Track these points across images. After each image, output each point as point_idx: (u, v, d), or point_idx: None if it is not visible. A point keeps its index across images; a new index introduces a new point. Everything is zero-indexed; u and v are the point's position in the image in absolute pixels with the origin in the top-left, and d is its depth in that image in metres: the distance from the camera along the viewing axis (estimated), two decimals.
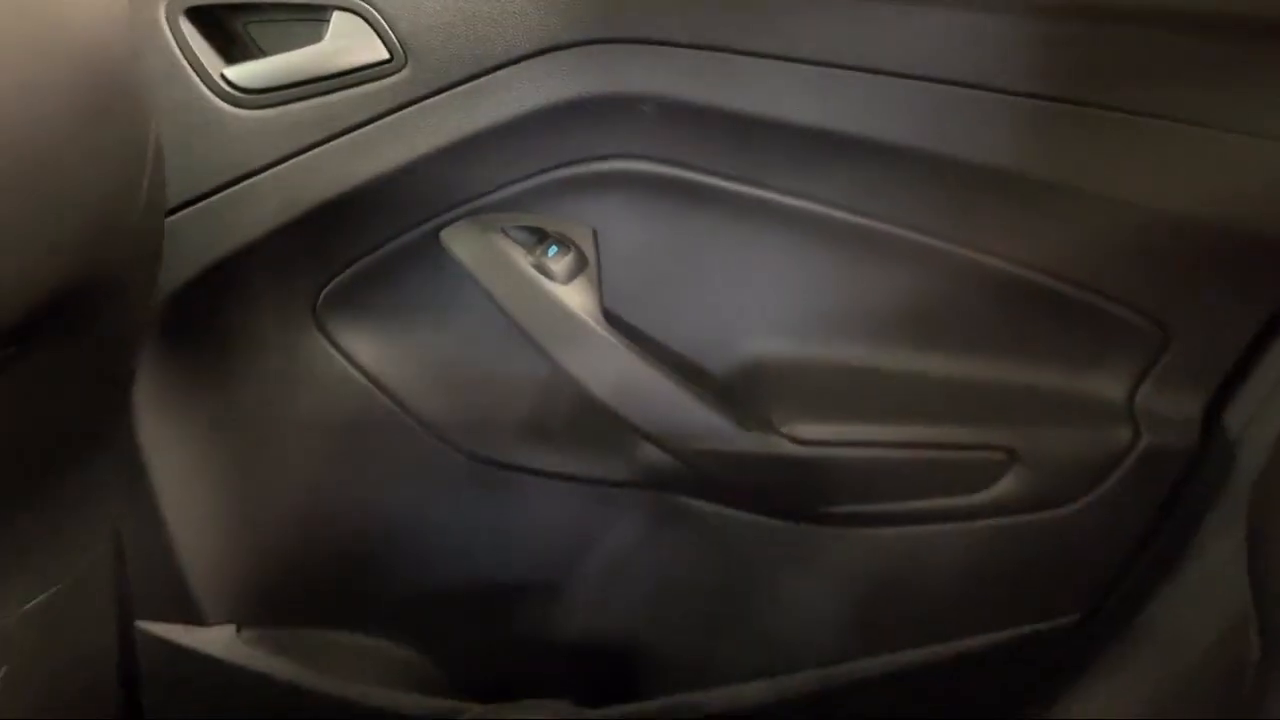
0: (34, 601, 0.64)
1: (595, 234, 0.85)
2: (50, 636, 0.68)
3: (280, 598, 0.95)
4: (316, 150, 0.79)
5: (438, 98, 0.78)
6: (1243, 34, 0.72)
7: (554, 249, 0.84)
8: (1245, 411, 0.82)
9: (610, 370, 0.85)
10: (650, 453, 0.88)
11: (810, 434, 0.85)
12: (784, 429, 0.85)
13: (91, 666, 0.78)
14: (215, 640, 0.94)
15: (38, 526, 0.62)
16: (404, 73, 0.77)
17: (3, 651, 0.63)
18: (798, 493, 0.86)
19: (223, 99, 0.77)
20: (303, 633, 0.96)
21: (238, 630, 0.95)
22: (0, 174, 0.47)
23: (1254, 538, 0.69)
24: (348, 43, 0.77)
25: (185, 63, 0.76)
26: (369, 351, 0.89)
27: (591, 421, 0.88)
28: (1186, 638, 0.84)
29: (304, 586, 0.96)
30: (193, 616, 0.94)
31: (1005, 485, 0.84)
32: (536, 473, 0.92)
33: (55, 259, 0.52)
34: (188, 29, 0.76)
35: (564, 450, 0.91)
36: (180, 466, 0.88)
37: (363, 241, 0.84)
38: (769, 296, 0.85)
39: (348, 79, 0.78)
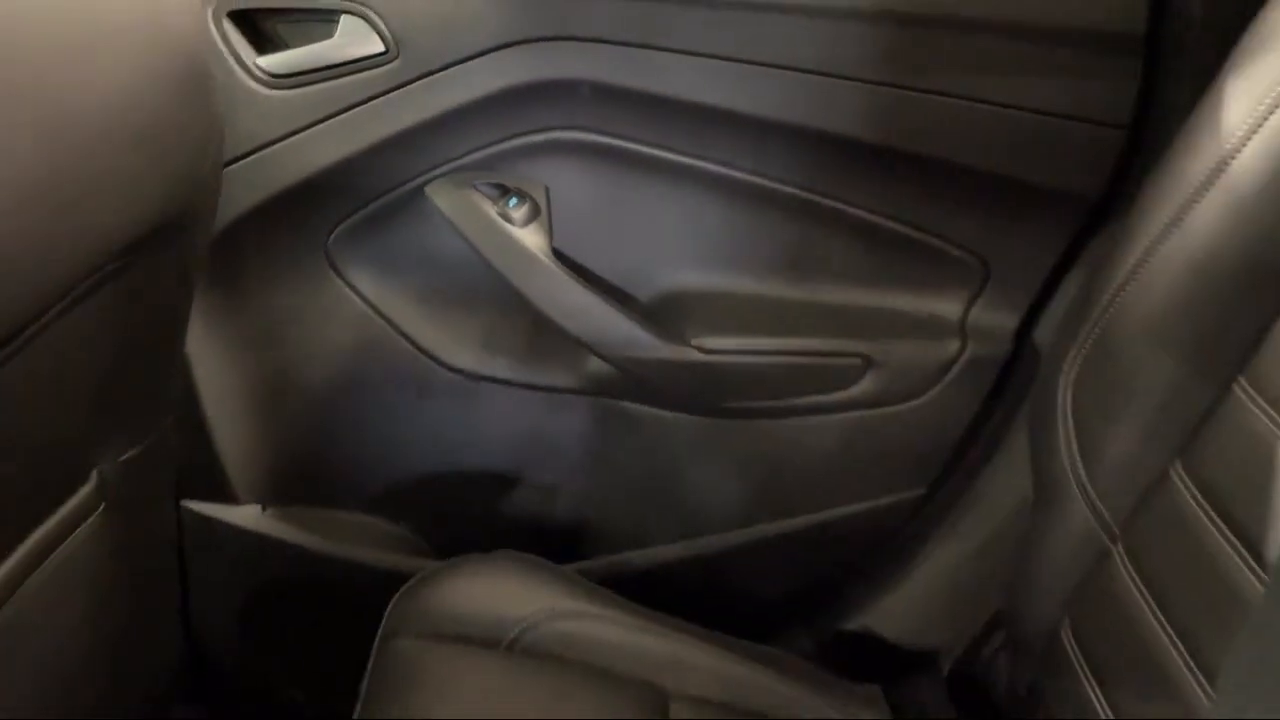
0: (126, 455, 0.85)
1: (546, 189, 1.06)
2: (133, 489, 0.89)
3: (297, 482, 1.17)
4: (328, 122, 1.00)
5: (422, 81, 0.99)
6: (1034, 36, 0.94)
7: (514, 200, 1.06)
8: (1048, 327, 1.05)
9: (559, 297, 1.07)
10: (591, 363, 1.10)
11: (713, 345, 1.07)
12: (693, 342, 1.07)
13: (156, 523, 0.99)
14: (245, 516, 1.16)
15: (132, 394, 0.83)
16: (396, 63, 0.98)
17: (103, 491, 0.84)
18: (703, 393, 1.09)
19: (256, 82, 0.98)
20: (315, 510, 1.18)
21: (263, 509, 1.17)
22: (124, 135, 0.68)
23: (1032, 421, 0.92)
24: (352, 39, 0.98)
25: (228, 54, 0.96)
26: (368, 283, 1.10)
27: (545, 339, 1.10)
28: (1003, 503, 1.07)
29: (316, 473, 1.17)
30: (226, 497, 1.15)
31: (863, 385, 1.07)
32: (502, 381, 1.14)
33: (156, 198, 0.73)
34: (229, 28, 0.97)
35: (523, 362, 1.13)
36: (217, 373, 1.09)
37: (364, 194, 1.05)
38: (682, 239, 1.07)
39: (352, 67, 0.99)
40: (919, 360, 1.06)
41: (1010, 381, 1.06)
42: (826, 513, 1.12)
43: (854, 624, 1.14)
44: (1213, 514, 0.74)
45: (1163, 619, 0.75)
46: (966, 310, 1.06)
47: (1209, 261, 0.82)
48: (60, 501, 0.79)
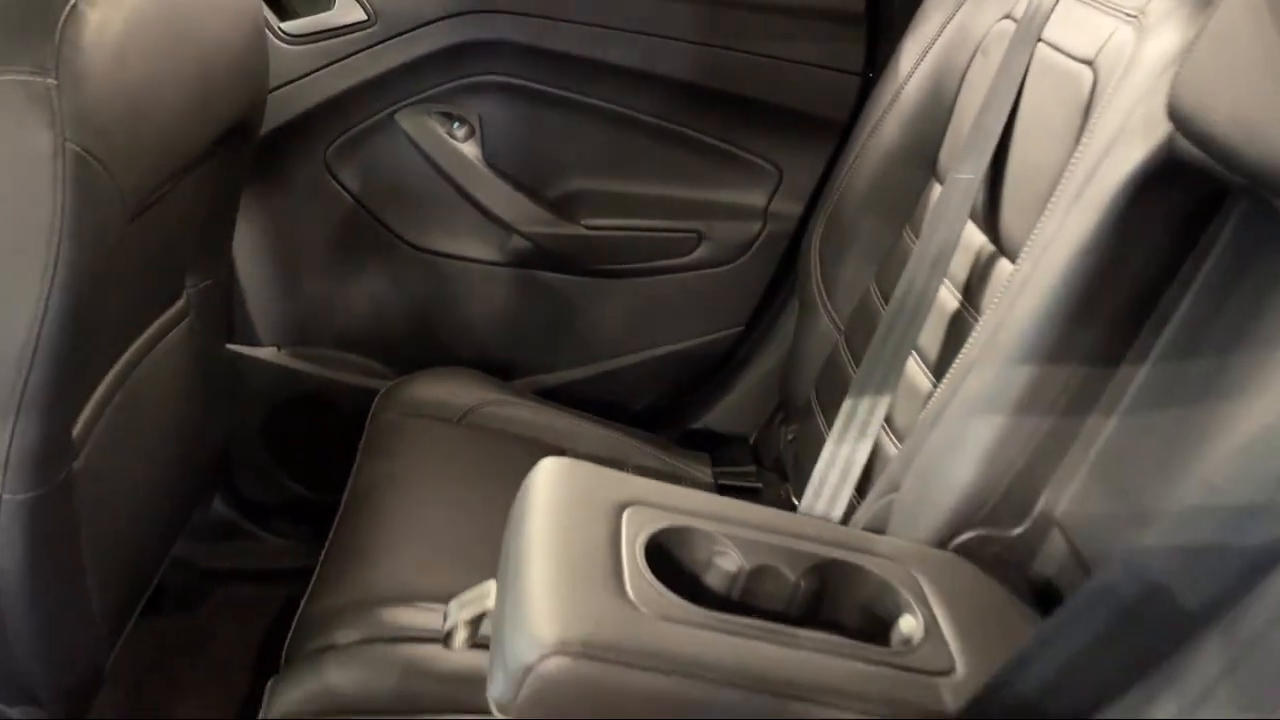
0: (203, 285, 1.26)
1: (480, 117, 1.48)
2: (205, 309, 1.29)
3: (303, 329, 1.57)
4: (327, 68, 1.41)
5: (393, 40, 1.41)
6: (798, 13, 1.39)
7: (457, 125, 1.48)
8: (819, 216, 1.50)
9: (490, 193, 1.50)
10: (513, 240, 1.53)
11: (596, 224, 1.51)
12: (583, 223, 1.51)
13: (217, 339, 1.38)
14: (266, 353, 1.56)
15: (210, 241, 1.23)
16: (375, 26, 1.40)
17: (187, 308, 1.24)
18: (589, 259, 1.53)
19: (279, 39, 1.38)
20: (315, 349, 1.58)
21: (278, 348, 1.57)
22: (229, 66, 1.08)
23: (799, 266, 1.38)
24: (345, 10, 1.39)
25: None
26: (354, 184, 1.50)
27: (481, 224, 1.53)
28: (790, 332, 1.53)
29: (316, 322, 1.57)
30: (252, 340, 1.55)
31: (698, 253, 1.52)
32: (451, 256, 1.56)
33: (239, 105, 1.14)
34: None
35: (467, 241, 1.55)
36: (247, 247, 1.49)
37: (351, 120, 1.46)
38: (575, 153, 1.51)
39: (344, 30, 1.40)
40: (736, 235, 1.52)
41: (798, 249, 1.52)
42: (675, 345, 1.59)
43: (695, 422, 1.60)
44: (879, 296, 1.21)
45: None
46: (769, 201, 1.52)
47: (891, 155, 1.29)
48: (164, 310, 1.20)
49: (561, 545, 0.71)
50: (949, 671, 0.70)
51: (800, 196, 1.51)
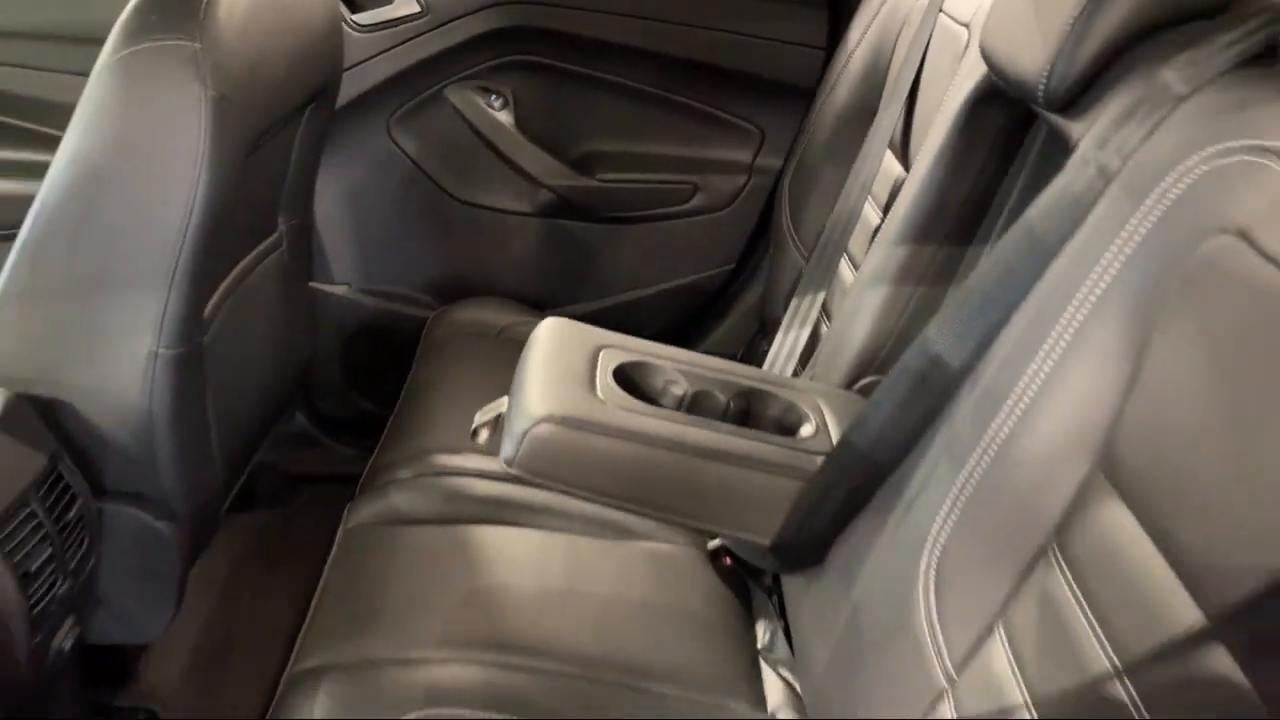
0: (291, 223, 1.56)
1: (513, 91, 1.78)
2: (295, 243, 1.59)
3: (367, 270, 1.87)
4: (389, 52, 1.71)
5: (441, 28, 1.70)
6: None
7: (495, 97, 1.77)
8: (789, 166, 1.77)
9: (523, 154, 1.79)
10: (543, 194, 1.82)
11: (608, 178, 1.80)
12: (598, 177, 1.80)
13: (305, 267, 1.69)
14: (337, 289, 1.87)
15: (299, 185, 1.54)
16: (426, 17, 1.69)
17: (280, 240, 1.55)
18: (604, 208, 1.81)
19: (351, 28, 1.68)
20: (377, 286, 1.89)
21: (349, 286, 1.88)
22: (319, 40, 1.38)
23: (776, 205, 1.65)
24: (402, 3, 1.69)
25: None
26: (412, 148, 1.80)
27: (514, 180, 1.82)
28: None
29: (376, 264, 1.87)
30: (328, 279, 1.86)
31: (693, 202, 1.81)
32: (490, 208, 1.85)
33: (318, 77, 1.44)
34: None
35: (503, 195, 1.84)
36: (325, 199, 1.79)
37: (409, 94, 1.76)
38: (592, 119, 1.79)
39: (402, 20, 1.70)
40: (725, 187, 1.80)
41: (777, 196, 1.79)
42: (676, 281, 1.87)
43: (693, 346, 1.87)
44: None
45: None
46: (754, 157, 1.80)
47: (842, 113, 1.55)
48: (265, 238, 1.50)
49: (552, 366, 1.00)
50: (827, 451, 0.98)
51: (780, 153, 1.78)
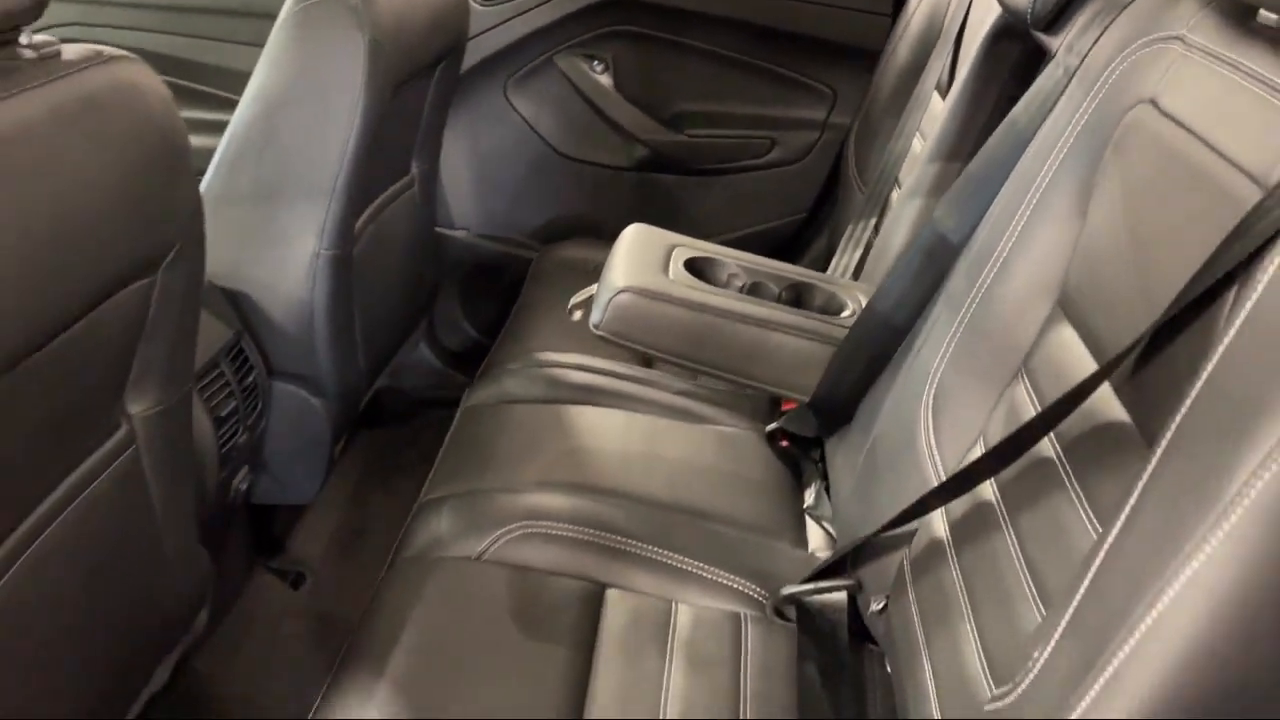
0: (423, 167, 1.81)
1: (614, 57, 2.00)
2: (423, 189, 1.84)
3: (484, 217, 2.11)
4: (507, 23, 1.95)
5: (551, 2, 1.93)
6: None
7: (597, 63, 2.00)
8: (856, 121, 1.94)
9: (620, 111, 2.01)
10: (638, 150, 2.03)
11: (695, 134, 2.00)
12: (686, 132, 2.00)
13: (427, 221, 1.94)
14: (460, 234, 2.12)
15: (426, 134, 1.79)
16: None
17: (412, 181, 1.80)
18: (692, 161, 2.02)
19: (475, 3, 1.93)
20: (492, 231, 2.13)
21: (468, 231, 2.12)
22: (441, 13, 1.63)
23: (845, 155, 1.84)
24: None
25: None
26: (524, 108, 2.04)
27: (612, 137, 2.04)
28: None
29: (491, 212, 2.11)
30: (452, 225, 2.11)
31: (771, 155, 2.00)
32: (590, 163, 2.07)
33: (448, 40, 1.68)
34: None
35: (602, 151, 2.06)
36: (449, 153, 2.04)
37: (525, 59, 2.00)
38: (680, 81, 2.00)
39: None
40: (800, 141, 1.99)
41: (844, 148, 1.96)
42: (754, 228, 2.07)
43: None
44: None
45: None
46: (827, 115, 1.98)
47: (901, 71, 1.72)
48: (400, 177, 1.74)
49: (633, 256, 1.21)
50: None
51: (851, 111, 1.96)
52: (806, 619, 1.09)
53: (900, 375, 1.04)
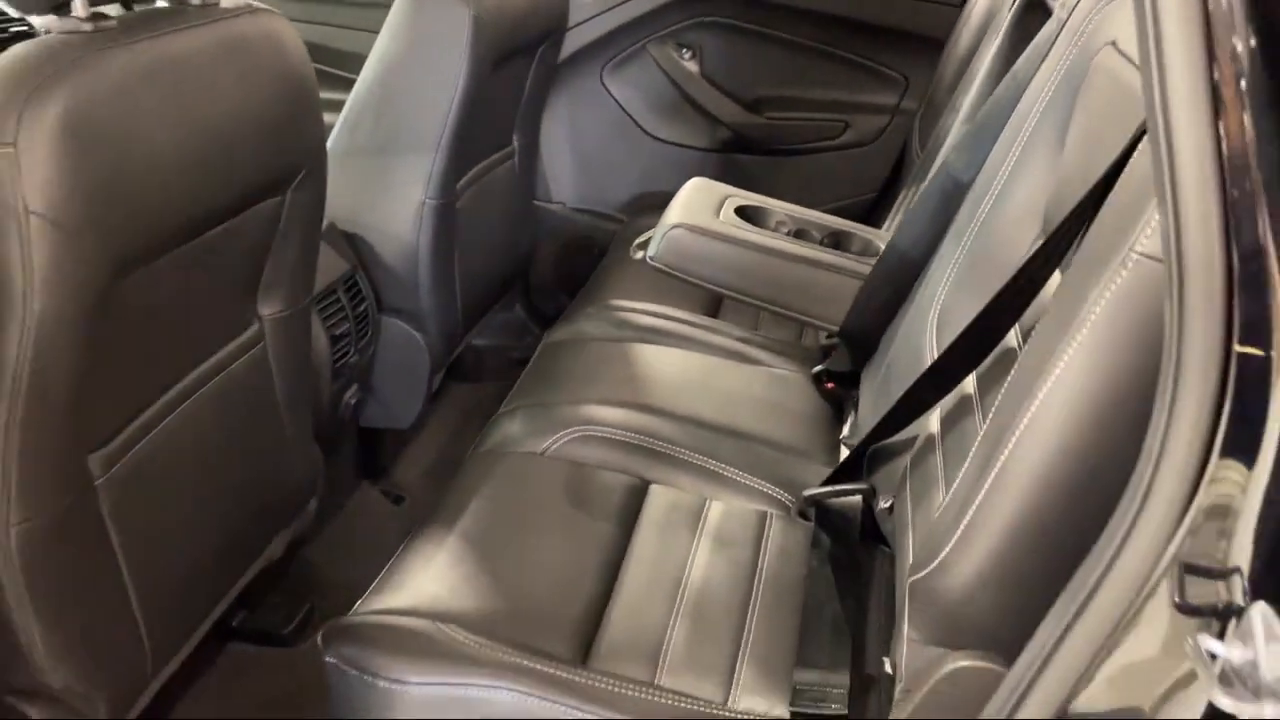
0: (522, 143, 2.00)
1: (701, 46, 2.15)
2: (522, 163, 2.03)
3: (579, 191, 2.29)
4: (603, 15, 2.13)
5: None
6: None
7: (686, 51, 2.16)
8: (922, 105, 2.05)
9: (706, 96, 2.17)
10: (720, 131, 2.18)
11: (774, 116, 2.14)
12: (765, 115, 2.15)
13: (525, 192, 2.13)
14: (558, 208, 2.30)
15: (527, 111, 1.98)
16: None
17: (512, 153, 1.99)
18: (770, 142, 2.16)
19: None
20: (586, 205, 2.31)
21: (563, 205, 2.31)
22: (543, 7, 1.81)
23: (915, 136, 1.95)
24: None
25: None
26: (618, 93, 2.22)
27: (697, 119, 2.20)
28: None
29: (587, 187, 2.29)
30: (551, 200, 2.30)
31: (844, 136, 2.12)
32: (676, 144, 2.24)
33: (549, 24, 1.87)
34: None
35: (688, 132, 2.22)
36: (547, 133, 2.23)
37: (620, 47, 2.17)
38: (760, 68, 2.14)
39: None
40: (872, 124, 2.11)
41: (911, 131, 2.07)
42: (824, 205, 2.16)
43: None
44: None
45: None
46: (898, 101, 2.09)
47: (961, 58, 1.83)
48: (500, 149, 1.94)
49: (691, 201, 1.37)
50: None
51: (920, 96, 2.07)
52: (825, 519, 1.22)
53: (913, 302, 1.16)
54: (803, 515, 1.25)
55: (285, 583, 1.56)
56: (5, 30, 1.51)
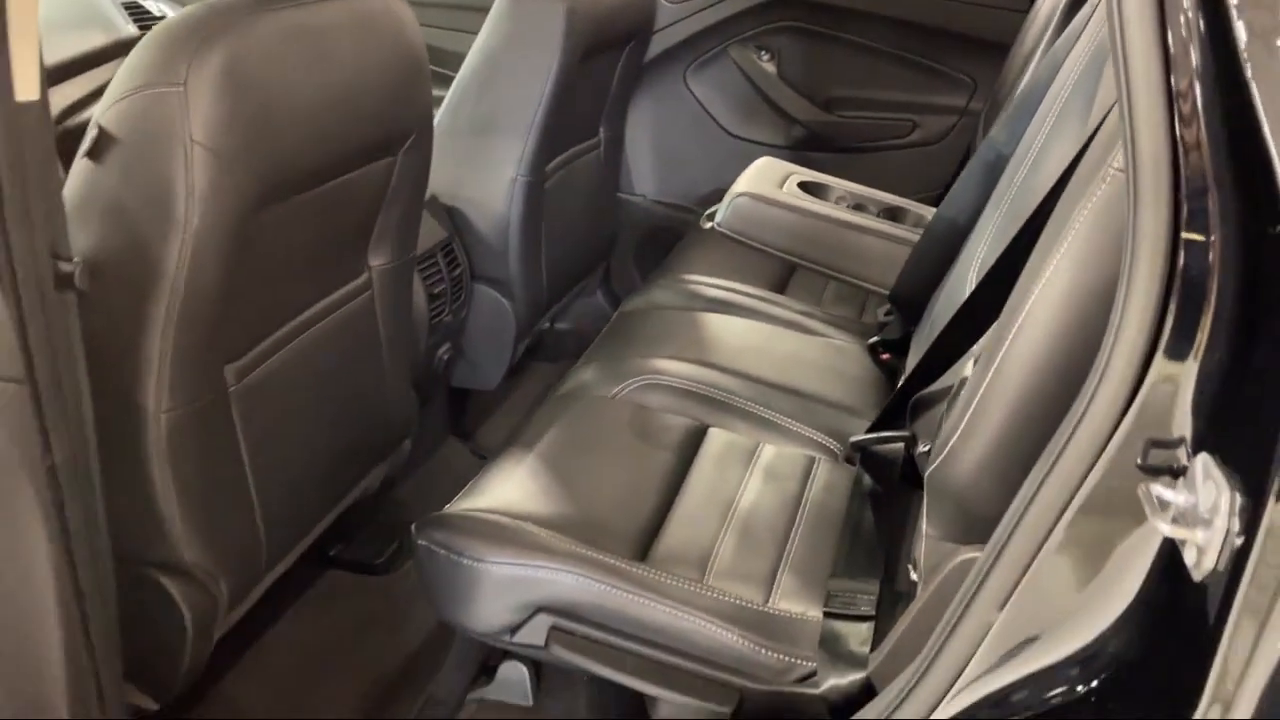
0: (609, 135, 2.14)
1: (780, 48, 2.27)
2: (608, 155, 2.17)
3: (660, 183, 2.43)
4: (687, 19, 2.27)
5: (727, 1, 2.24)
6: None
7: (765, 53, 2.28)
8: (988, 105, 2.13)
9: (783, 96, 2.28)
10: (795, 130, 2.30)
11: (846, 115, 2.25)
12: (836, 114, 2.26)
13: (609, 182, 2.27)
14: (638, 200, 2.44)
15: (613, 105, 2.12)
16: None
17: (599, 144, 2.13)
18: (842, 140, 2.26)
19: (666, 0, 2.26)
20: (666, 198, 2.44)
21: (644, 197, 2.44)
22: (631, 10, 1.96)
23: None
24: None
25: None
26: (700, 93, 2.35)
27: (774, 118, 2.31)
28: None
29: (668, 180, 2.42)
30: (631, 190, 2.44)
31: (912, 136, 2.21)
32: (753, 141, 2.35)
33: (637, 22, 2.01)
34: None
35: (764, 130, 2.34)
36: (631, 128, 2.37)
37: (703, 49, 2.31)
38: (833, 71, 2.25)
39: None
40: (940, 124, 2.20)
41: (980, 134, 2.15)
42: (901, 200, 2.26)
43: None
44: None
45: None
46: (966, 103, 2.18)
47: (1025, 57, 1.90)
48: (588, 138, 2.08)
49: (756, 175, 1.48)
50: None
51: (986, 98, 2.15)
52: (869, 463, 1.32)
53: (956, 264, 1.26)
54: (848, 461, 1.35)
55: (378, 519, 1.72)
56: (146, 15, 1.72)
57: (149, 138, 0.96)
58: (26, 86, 0.81)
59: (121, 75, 0.98)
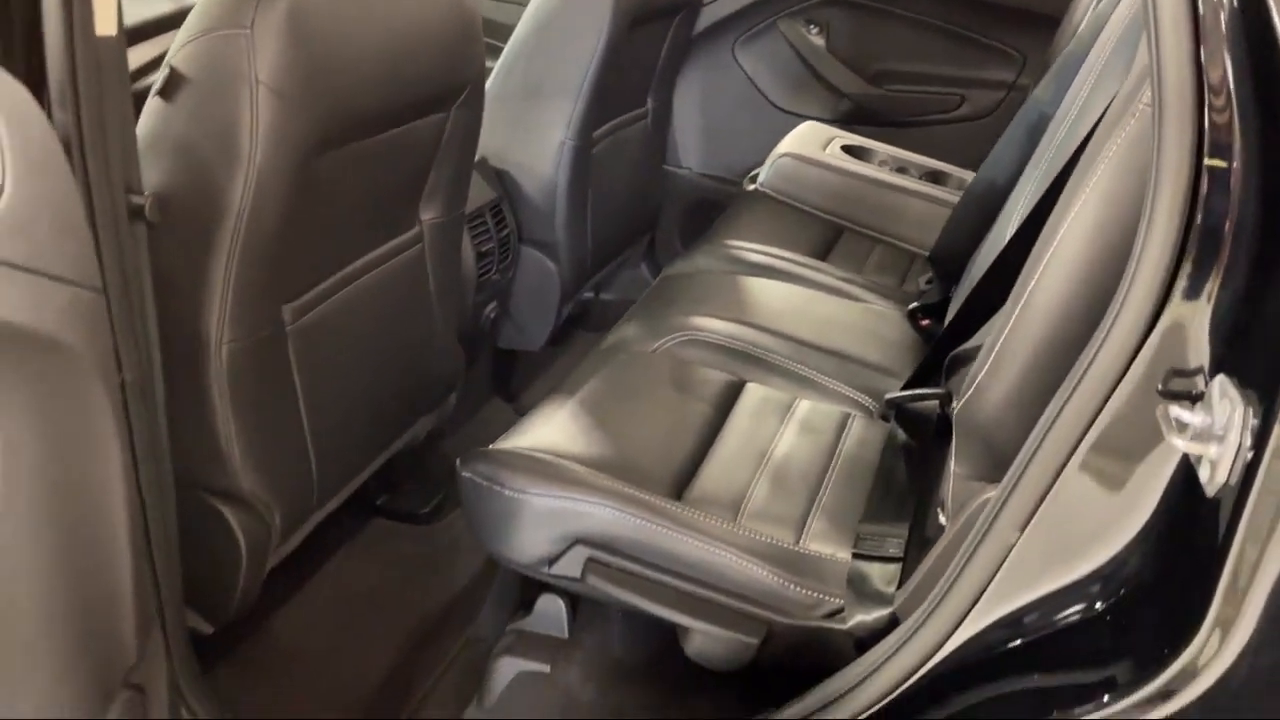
0: (655, 105, 2.17)
1: (828, 22, 2.28)
2: (655, 124, 2.20)
3: (704, 156, 2.45)
4: None
5: None
6: None
7: (814, 27, 2.29)
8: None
9: (831, 70, 2.29)
10: (843, 103, 2.31)
11: (894, 89, 2.25)
12: (886, 88, 2.26)
13: (656, 151, 2.30)
14: (683, 172, 2.47)
15: (661, 78, 2.14)
16: None
17: (646, 113, 2.16)
18: (891, 113, 2.27)
19: None
20: (709, 171, 2.46)
21: (690, 170, 2.47)
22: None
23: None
24: None
25: None
26: (748, 66, 2.37)
27: (821, 91, 2.32)
28: None
29: (713, 153, 2.44)
30: (675, 162, 2.47)
31: (961, 110, 2.21)
32: (797, 114, 2.35)
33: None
34: None
35: (812, 104, 2.35)
36: (680, 102, 2.39)
37: (751, 22, 2.32)
38: (886, 44, 2.25)
39: None
40: (987, 99, 2.20)
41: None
42: (943, 165, 2.26)
43: None
44: None
45: None
46: (1015, 78, 2.17)
47: (1069, 33, 1.90)
48: (637, 107, 2.11)
49: (800, 138, 1.50)
50: None
51: (1036, 74, 2.14)
52: (904, 419, 1.34)
53: (996, 223, 1.27)
54: (883, 418, 1.37)
55: (423, 471, 1.77)
56: None
57: (217, 78, 1.01)
58: (105, 21, 0.86)
59: (192, 18, 1.03)
